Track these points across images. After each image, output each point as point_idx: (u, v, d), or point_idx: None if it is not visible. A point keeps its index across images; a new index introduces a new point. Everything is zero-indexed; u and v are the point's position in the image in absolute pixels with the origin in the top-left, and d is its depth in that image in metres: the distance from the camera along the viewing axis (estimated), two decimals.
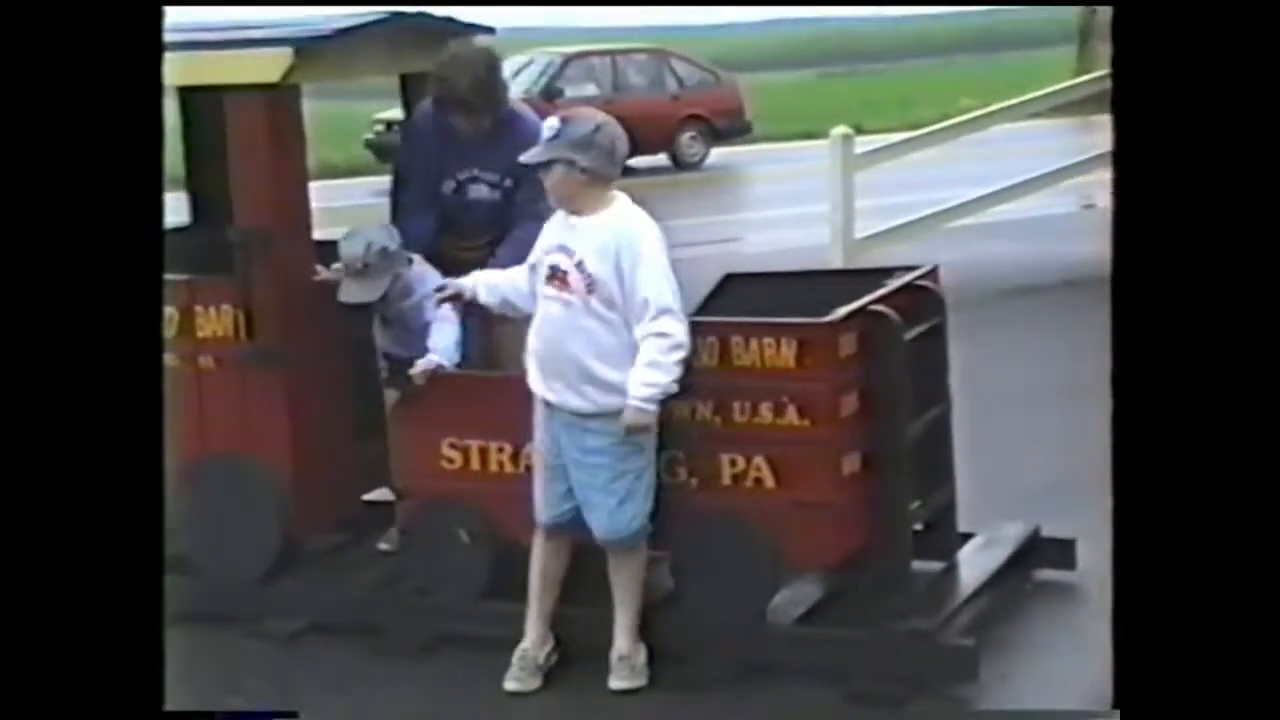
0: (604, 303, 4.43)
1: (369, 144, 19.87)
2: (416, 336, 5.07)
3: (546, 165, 4.49)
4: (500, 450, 4.83)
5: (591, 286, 4.42)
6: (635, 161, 15.70)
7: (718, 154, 20.37)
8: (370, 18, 5.48)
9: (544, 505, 4.65)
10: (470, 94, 5.14)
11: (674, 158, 19.86)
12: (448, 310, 4.97)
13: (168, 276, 5.10)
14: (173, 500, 5.07)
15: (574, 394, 4.49)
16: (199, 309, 5.17)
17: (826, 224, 10.55)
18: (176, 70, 5.19)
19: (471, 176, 5.32)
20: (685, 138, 19.99)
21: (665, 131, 19.37)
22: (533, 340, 4.57)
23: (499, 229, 5.33)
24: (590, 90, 19.44)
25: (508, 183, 5.28)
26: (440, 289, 4.90)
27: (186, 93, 5.80)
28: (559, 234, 4.55)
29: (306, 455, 5.14)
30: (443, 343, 4.95)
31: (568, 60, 20.33)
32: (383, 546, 5.37)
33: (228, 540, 5.18)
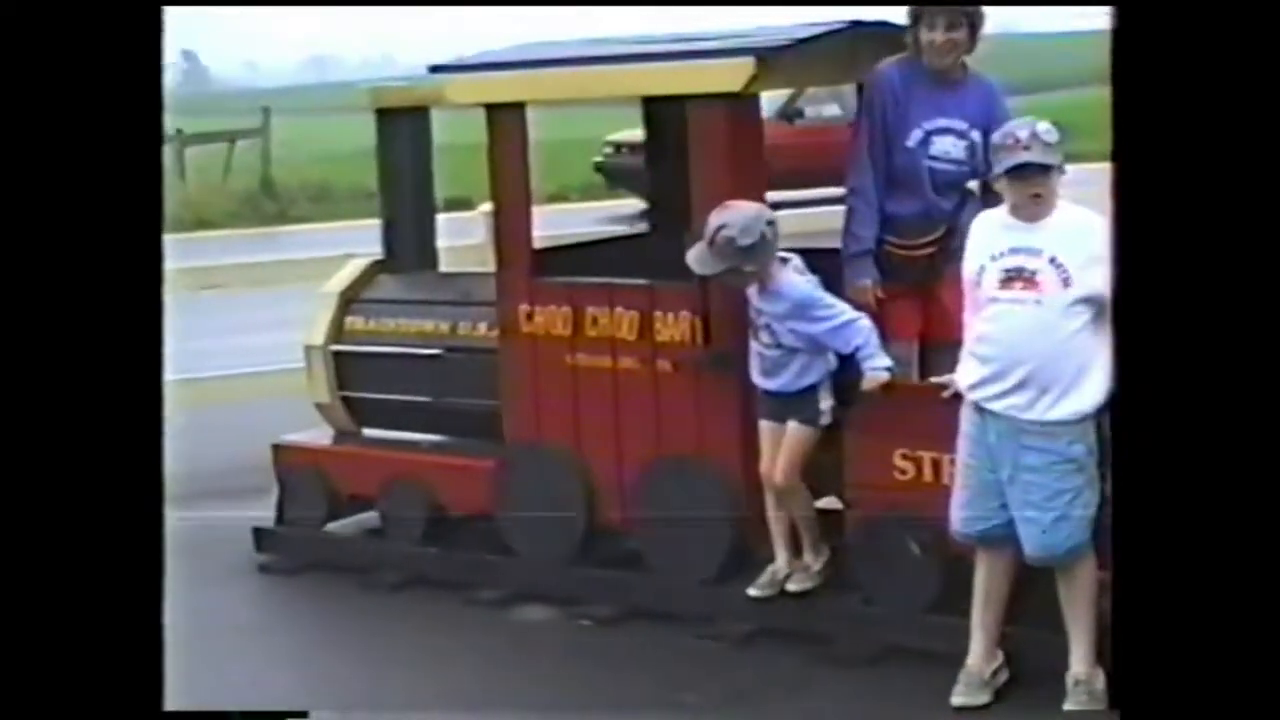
0: (1082, 299, 4.43)
1: (598, 167, 19.08)
2: (773, 360, 5.13)
3: (1048, 170, 4.47)
4: (954, 462, 4.86)
5: (1068, 282, 4.42)
6: None
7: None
8: (829, 27, 5.61)
9: (971, 519, 4.67)
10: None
11: None
12: (856, 314, 5.06)
13: (629, 281, 5.55)
14: (630, 499, 5.52)
15: (1032, 402, 4.47)
16: (658, 314, 5.43)
17: None
18: (640, 80, 5.57)
19: (939, 128, 5.29)
20: None
21: None
22: (985, 348, 4.58)
23: (951, 207, 5.31)
24: (833, 111, 17.32)
25: (973, 134, 5.27)
26: (941, 385, 4.85)
27: (650, 102, 6.09)
28: (1008, 236, 4.55)
29: (758, 460, 5.29)
30: (876, 346, 5.04)
31: None
32: (752, 593, 5.29)
33: (680, 540, 5.43)
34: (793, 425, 5.17)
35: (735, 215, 5.06)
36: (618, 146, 17.94)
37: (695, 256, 5.12)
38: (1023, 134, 4.48)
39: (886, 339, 5.18)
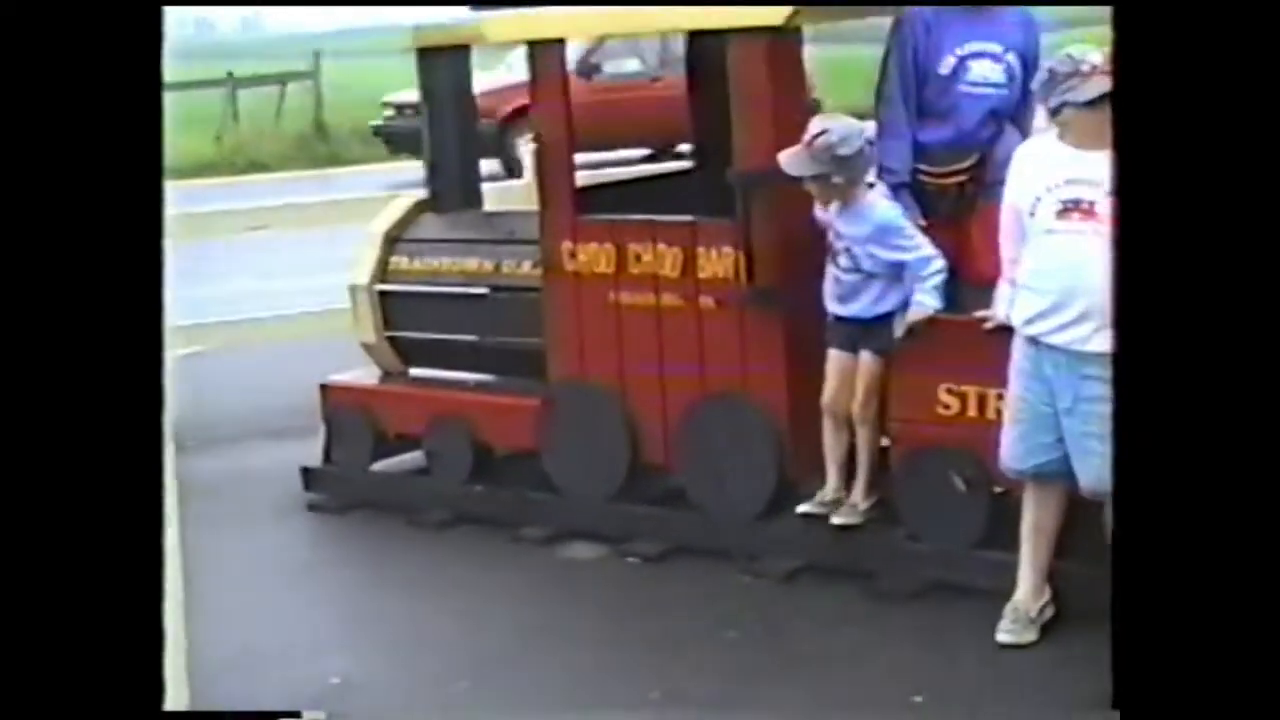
0: None
1: (376, 131, 17.92)
2: (850, 285, 5.17)
3: (1098, 102, 4.38)
4: (999, 396, 4.86)
5: None
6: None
7: None
8: None
9: (1025, 453, 4.69)
10: None
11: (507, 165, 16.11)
12: (934, 251, 5.06)
13: (671, 218, 5.58)
14: (675, 439, 5.57)
15: (1093, 333, 4.45)
16: (701, 250, 5.46)
17: None
18: (681, 16, 5.58)
19: (974, 53, 5.27)
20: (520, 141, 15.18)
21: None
22: (1043, 281, 4.56)
23: (987, 136, 5.30)
24: (633, 66, 16.79)
25: (1009, 57, 5.27)
26: (984, 319, 4.87)
27: (694, 38, 6.10)
28: (1063, 167, 4.53)
29: (802, 397, 5.35)
30: (936, 284, 5.05)
31: None
32: (803, 509, 5.33)
33: (726, 478, 5.49)
34: (866, 355, 5.20)
35: (838, 124, 5.11)
36: (399, 108, 16.84)
37: (789, 157, 5.12)
38: (1097, 59, 4.43)
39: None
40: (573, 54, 14.23)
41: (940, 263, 5.10)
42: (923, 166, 5.36)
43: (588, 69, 16.41)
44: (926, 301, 5.07)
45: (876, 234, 5.13)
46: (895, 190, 5.29)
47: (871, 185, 5.20)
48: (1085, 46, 4.57)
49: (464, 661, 4.88)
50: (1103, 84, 4.40)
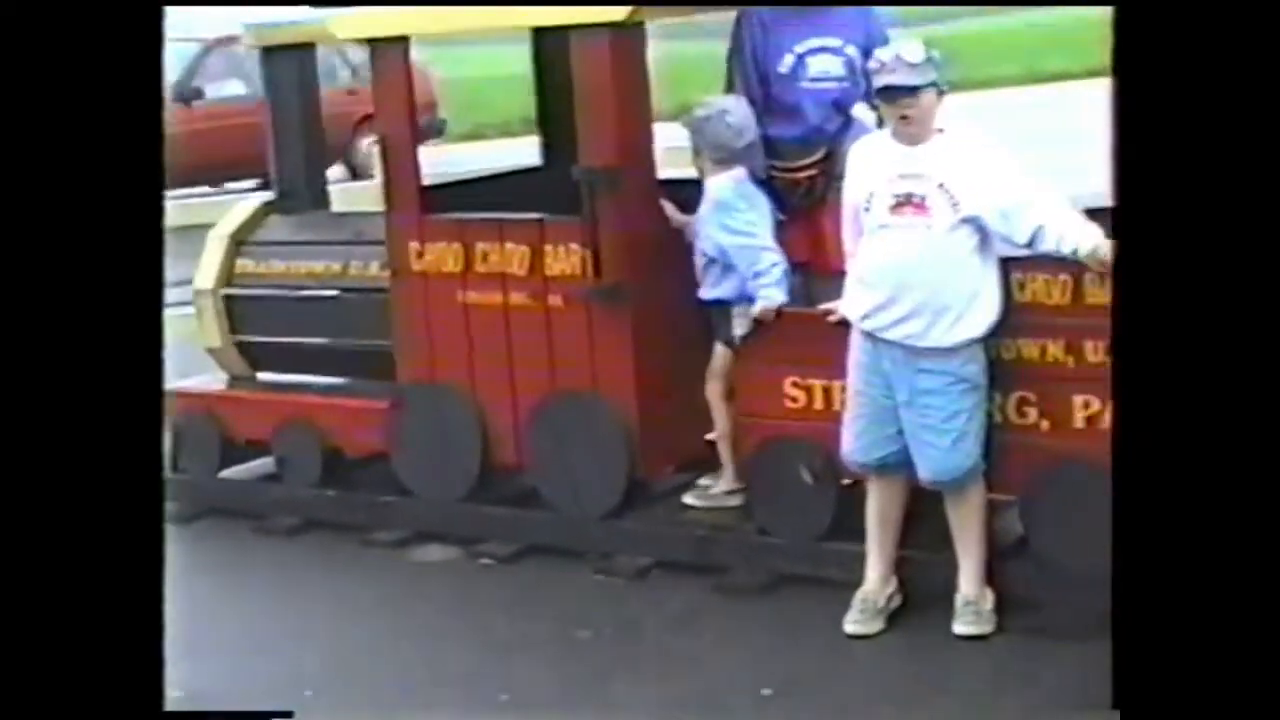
0: (969, 223, 4.52)
1: None
2: (701, 268, 5.30)
3: (914, 91, 4.51)
4: (844, 389, 4.94)
5: (957, 207, 4.51)
6: None
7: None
8: None
9: (867, 446, 4.78)
10: None
11: (351, 168, 15.26)
12: (775, 246, 5.17)
13: (518, 216, 5.61)
14: (524, 438, 5.60)
15: (927, 328, 4.57)
16: (548, 248, 5.49)
17: None
18: (524, 13, 5.61)
19: (813, 49, 5.36)
20: (365, 143, 13.75)
21: (338, 135, 13.40)
22: (877, 275, 4.66)
23: (833, 129, 5.40)
24: (236, 90, 15.00)
25: (849, 50, 5.36)
26: (828, 312, 4.94)
27: (539, 35, 6.12)
28: (896, 161, 4.61)
29: (651, 394, 5.41)
30: (774, 279, 5.14)
31: (208, 49, 15.21)
32: (688, 500, 5.55)
33: (576, 477, 5.52)
34: (716, 344, 5.33)
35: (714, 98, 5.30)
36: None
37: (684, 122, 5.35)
38: (886, 56, 4.57)
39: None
40: (170, 77, 13.92)
41: (775, 256, 5.18)
42: (773, 162, 5.44)
43: (188, 94, 14.92)
44: (773, 295, 5.15)
45: (711, 212, 5.24)
46: None
47: (724, 166, 5.27)
48: (907, 41, 4.68)
49: (314, 667, 4.87)
50: (881, 79, 4.53)
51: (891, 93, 4.55)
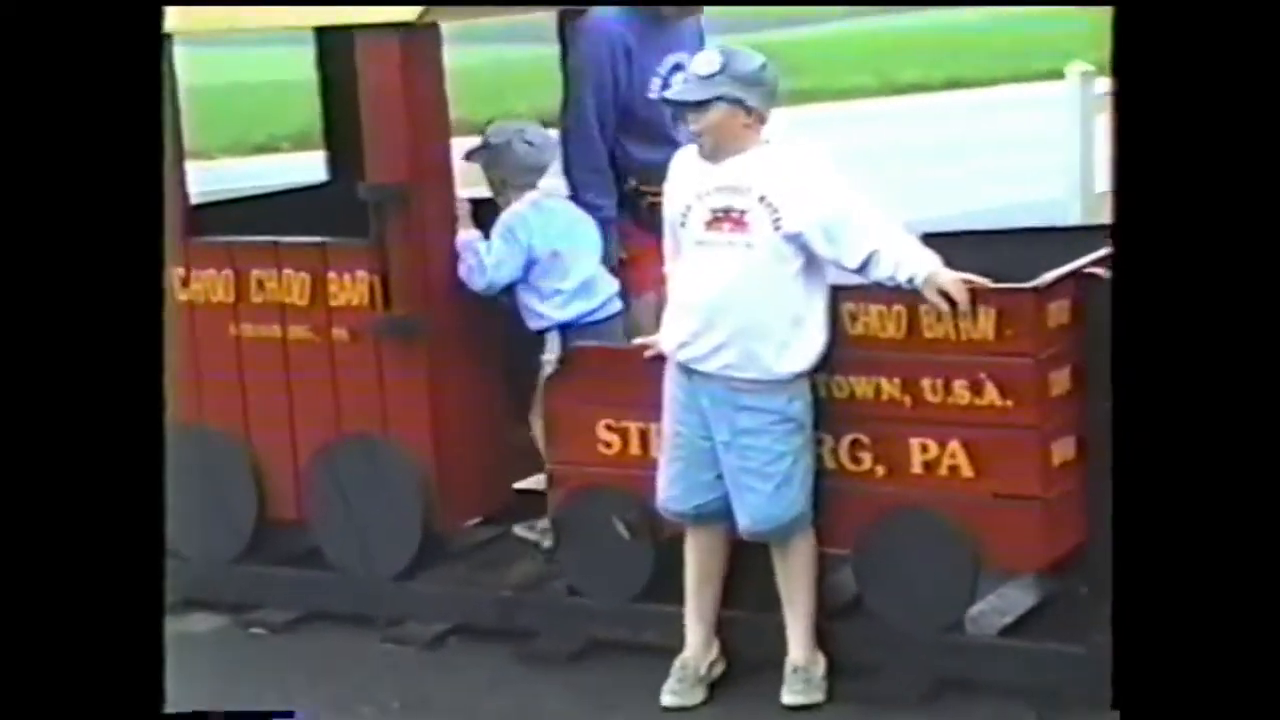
0: (791, 240, 4.29)
1: None
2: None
3: (701, 105, 4.32)
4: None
5: (779, 223, 4.28)
6: None
7: None
8: None
9: (683, 493, 4.52)
10: None
11: None
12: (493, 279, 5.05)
13: (299, 240, 5.22)
14: (306, 488, 5.21)
15: (748, 359, 4.33)
16: (332, 275, 5.13)
17: (1061, 176, 10.13)
18: (305, 12, 5.24)
19: (674, 66, 5.23)
20: None
21: None
22: (693, 297, 4.39)
23: None
24: None
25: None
26: (644, 347, 4.71)
27: (322, 38, 5.78)
28: (713, 173, 4.37)
29: (450, 438, 5.08)
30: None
31: None
32: (519, 532, 5.35)
33: (364, 533, 5.15)
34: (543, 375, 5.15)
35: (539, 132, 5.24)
36: None
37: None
38: (663, 71, 4.53)
39: (628, 295, 5.18)
40: None
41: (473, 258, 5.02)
42: (642, 186, 5.29)
43: None
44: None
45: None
46: (603, 225, 5.23)
47: (530, 188, 5.14)
48: (705, 52, 4.50)
49: None
50: (692, 90, 4.35)
51: (676, 107, 4.41)
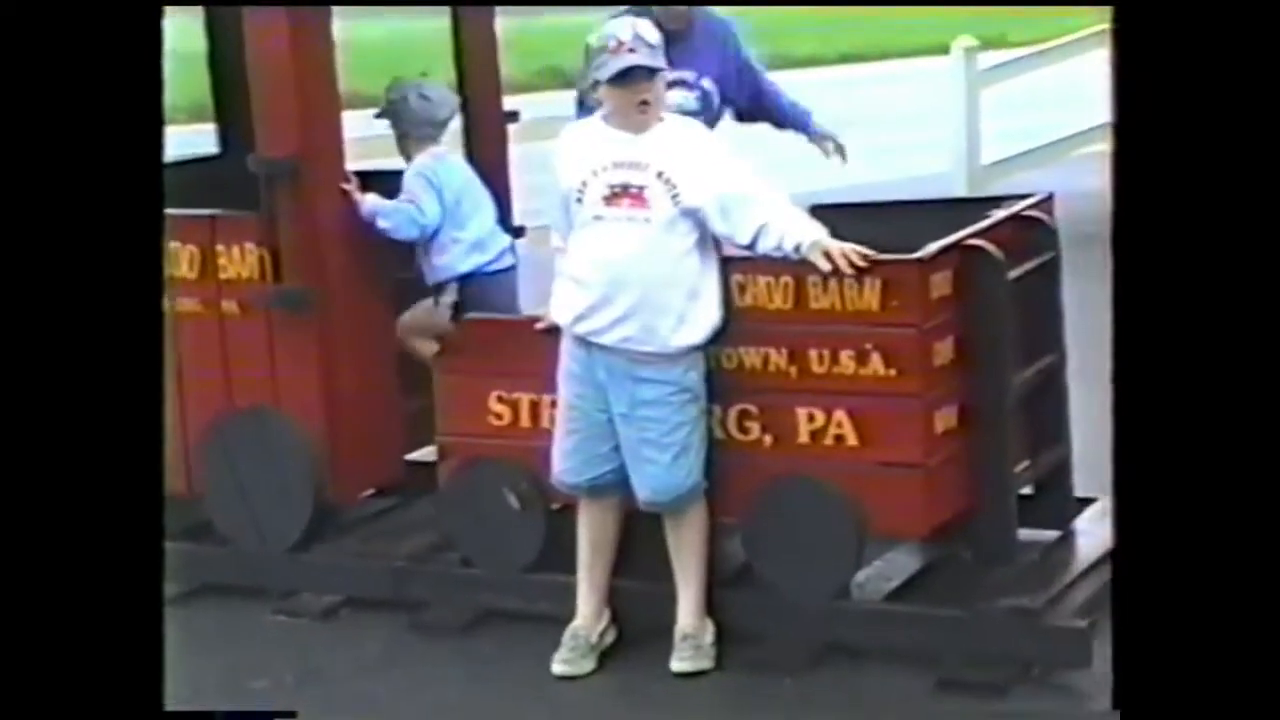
0: (689, 215, 4.35)
1: None
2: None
3: (653, 74, 4.38)
4: (554, 405, 4.70)
5: (677, 199, 4.33)
6: None
7: None
8: None
9: (579, 466, 4.56)
10: None
11: None
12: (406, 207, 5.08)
13: (187, 212, 5.20)
14: (197, 461, 5.20)
15: (647, 332, 4.38)
16: (221, 248, 5.12)
17: (947, 150, 10.28)
18: None
19: (669, 83, 5.09)
20: None
21: None
22: (590, 272, 4.44)
23: None
24: None
25: (705, 83, 5.29)
26: (535, 319, 4.77)
27: (210, 10, 5.75)
28: (610, 148, 4.42)
29: (342, 410, 5.09)
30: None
31: None
32: None
33: (255, 506, 5.15)
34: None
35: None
36: None
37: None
38: (625, 35, 4.36)
39: None
40: None
41: (410, 211, 5.05)
42: None
43: None
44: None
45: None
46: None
47: (431, 142, 5.19)
48: (629, 18, 4.51)
49: None
50: (624, 60, 4.35)
51: (633, 75, 4.35)
